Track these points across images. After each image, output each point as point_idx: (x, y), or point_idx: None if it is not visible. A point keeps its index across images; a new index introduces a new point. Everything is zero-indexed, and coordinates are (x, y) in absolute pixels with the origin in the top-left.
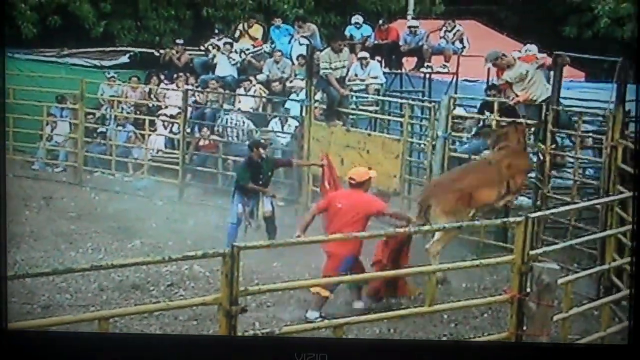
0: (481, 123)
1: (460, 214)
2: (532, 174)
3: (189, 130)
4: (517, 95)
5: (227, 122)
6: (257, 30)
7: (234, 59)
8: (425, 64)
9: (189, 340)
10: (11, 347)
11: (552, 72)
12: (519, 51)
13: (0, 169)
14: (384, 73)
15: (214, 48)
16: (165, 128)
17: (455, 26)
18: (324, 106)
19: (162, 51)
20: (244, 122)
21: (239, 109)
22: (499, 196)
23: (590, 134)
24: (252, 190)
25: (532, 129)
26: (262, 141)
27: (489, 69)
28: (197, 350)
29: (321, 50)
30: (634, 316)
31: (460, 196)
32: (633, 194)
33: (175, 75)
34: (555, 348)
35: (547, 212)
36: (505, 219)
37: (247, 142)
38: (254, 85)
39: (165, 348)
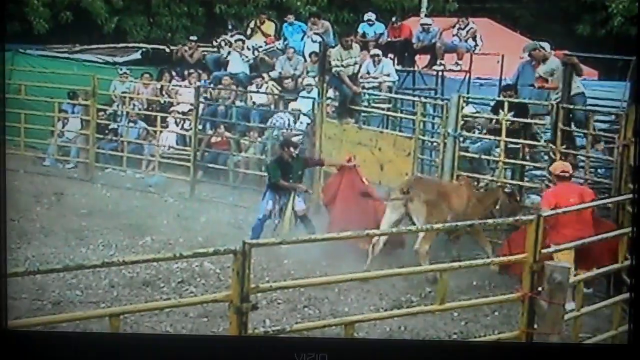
0: (493, 121)
1: (439, 210)
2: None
3: (200, 127)
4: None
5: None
6: (269, 27)
7: (246, 56)
8: (438, 62)
9: (188, 340)
10: (11, 346)
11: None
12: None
13: (1, 167)
14: (397, 70)
15: (226, 45)
16: (177, 125)
17: (468, 24)
18: (336, 103)
19: (174, 48)
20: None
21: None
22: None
23: (599, 133)
24: (284, 188)
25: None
26: (294, 140)
27: (502, 67)
28: (197, 350)
29: (333, 47)
30: (634, 316)
31: (441, 193)
32: (633, 195)
33: (187, 72)
34: (555, 347)
35: (559, 210)
36: (517, 218)
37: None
38: (266, 82)
39: (166, 347)
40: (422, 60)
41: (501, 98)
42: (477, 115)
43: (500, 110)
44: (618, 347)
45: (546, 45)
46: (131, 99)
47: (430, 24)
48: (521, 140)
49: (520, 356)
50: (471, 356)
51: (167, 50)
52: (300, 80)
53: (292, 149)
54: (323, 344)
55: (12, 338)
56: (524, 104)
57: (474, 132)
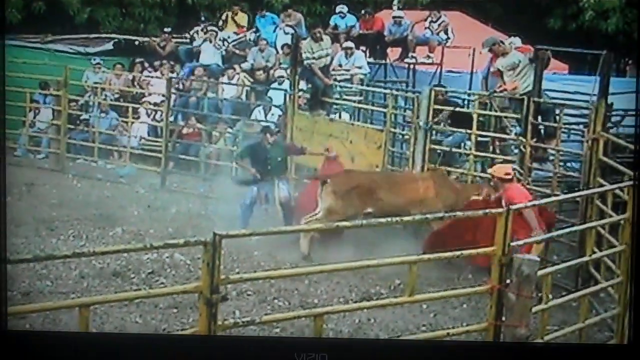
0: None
1: (350, 202)
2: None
3: (172, 118)
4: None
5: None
6: (242, 19)
7: (218, 47)
8: (410, 55)
9: (188, 340)
10: (10, 347)
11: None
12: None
13: (0, 156)
14: (368, 63)
15: (199, 36)
16: (149, 116)
17: (440, 17)
18: (308, 96)
19: (143, 40)
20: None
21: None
22: (406, 205)
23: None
24: (241, 167)
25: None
26: (273, 128)
27: (473, 60)
28: (196, 350)
29: (305, 39)
30: (634, 316)
31: (359, 186)
32: (634, 182)
33: (159, 63)
34: (555, 348)
35: (529, 204)
36: (486, 210)
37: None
38: (238, 74)
39: (166, 347)
40: (393, 52)
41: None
42: (448, 108)
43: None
44: (618, 347)
45: (517, 40)
46: (103, 89)
47: (402, 17)
48: (491, 134)
49: (520, 356)
50: (474, 356)
51: (136, 42)
52: (272, 72)
53: (268, 136)
54: (323, 344)
55: (12, 339)
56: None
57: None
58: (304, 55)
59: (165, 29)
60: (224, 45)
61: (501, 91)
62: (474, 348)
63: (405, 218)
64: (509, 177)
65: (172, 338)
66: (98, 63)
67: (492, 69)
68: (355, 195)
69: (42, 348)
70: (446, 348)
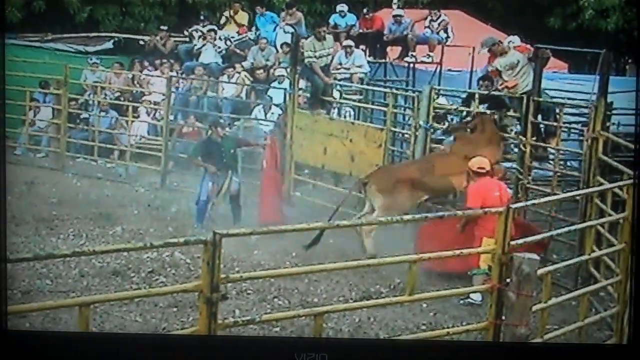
0: (464, 113)
1: (400, 195)
2: (513, 165)
3: (172, 117)
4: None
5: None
6: (243, 17)
7: (218, 46)
8: (410, 54)
9: (187, 339)
10: (11, 347)
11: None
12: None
13: (1, 155)
14: (368, 62)
15: (199, 37)
16: (149, 115)
17: (440, 16)
18: (308, 94)
19: (145, 38)
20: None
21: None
22: (455, 184)
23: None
24: (198, 166)
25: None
26: (221, 121)
27: (472, 59)
28: (196, 350)
29: (306, 38)
30: (634, 316)
31: (400, 179)
32: (634, 181)
33: (159, 62)
34: (555, 348)
35: (529, 202)
36: (486, 209)
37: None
38: (238, 73)
39: (166, 346)
40: (393, 51)
41: (473, 90)
42: (448, 106)
43: (472, 102)
44: (618, 347)
45: (516, 39)
46: (103, 88)
47: (402, 16)
48: None
49: (520, 355)
50: (474, 355)
51: (141, 42)
52: (272, 70)
53: (219, 129)
54: (323, 344)
55: (12, 338)
56: (499, 97)
57: (445, 124)
58: (305, 54)
59: (162, 27)
60: (225, 44)
61: (503, 89)
62: (474, 347)
63: (405, 217)
64: (482, 170)
65: (172, 337)
66: (95, 63)
67: (490, 69)
68: (403, 188)
69: (41, 347)
70: (446, 347)
